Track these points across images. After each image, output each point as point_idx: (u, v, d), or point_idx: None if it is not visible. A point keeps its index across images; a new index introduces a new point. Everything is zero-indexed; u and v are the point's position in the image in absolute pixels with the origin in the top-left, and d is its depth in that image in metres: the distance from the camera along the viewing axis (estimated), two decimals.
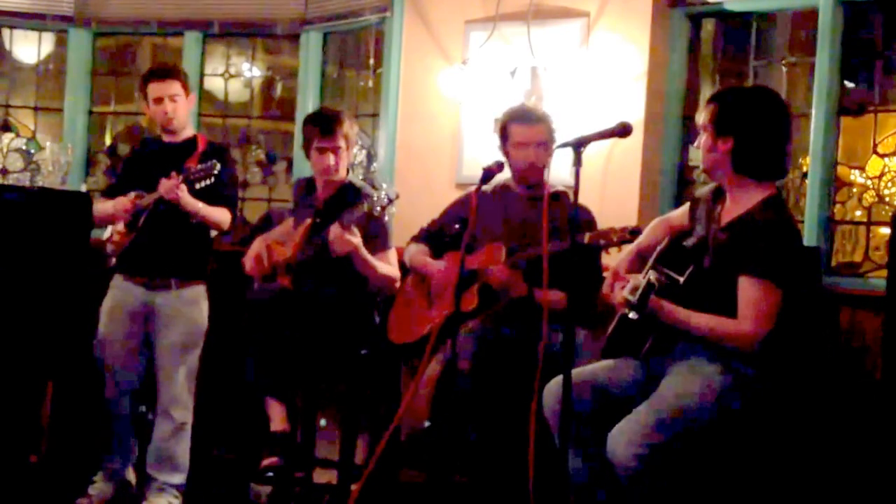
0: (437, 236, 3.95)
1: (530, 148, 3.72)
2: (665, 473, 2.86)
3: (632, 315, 2.87)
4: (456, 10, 4.82)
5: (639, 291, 2.81)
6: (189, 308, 3.95)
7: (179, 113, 3.99)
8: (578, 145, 2.91)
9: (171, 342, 3.93)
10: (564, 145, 2.94)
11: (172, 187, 3.75)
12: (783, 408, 3.18)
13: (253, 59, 5.96)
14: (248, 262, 3.96)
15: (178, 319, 3.93)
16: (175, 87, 3.96)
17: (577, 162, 2.87)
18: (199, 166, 3.78)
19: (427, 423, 3.65)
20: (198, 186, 3.77)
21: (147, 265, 3.94)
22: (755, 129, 2.95)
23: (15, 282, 4.03)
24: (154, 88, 3.98)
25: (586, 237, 3.33)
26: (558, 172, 3.97)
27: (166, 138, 4.03)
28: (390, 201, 3.67)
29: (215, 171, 3.76)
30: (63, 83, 5.97)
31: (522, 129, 3.74)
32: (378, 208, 3.66)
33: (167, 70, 4.06)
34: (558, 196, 3.74)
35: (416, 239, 3.99)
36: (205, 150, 3.96)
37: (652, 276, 2.85)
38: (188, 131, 4.06)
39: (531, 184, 3.78)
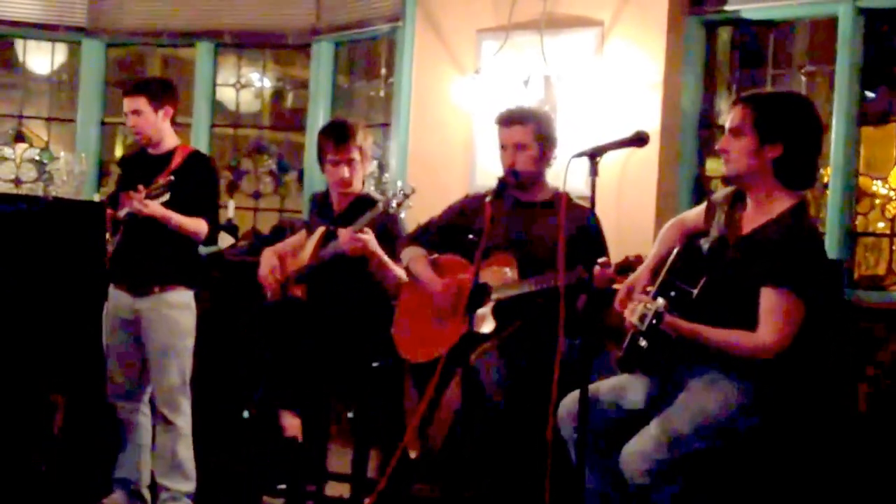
0: (436, 236, 3.85)
1: (508, 150, 3.61)
2: (679, 489, 2.80)
3: (642, 343, 2.83)
4: (468, 19, 4.79)
5: (647, 320, 2.76)
6: (173, 312, 3.96)
7: (143, 128, 3.99)
8: (594, 155, 2.85)
9: (158, 346, 3.95)
10: (580, 155, 2.89)
11: (136, 202, 3.81)
12: (803, 423, 3.11)
13: (264, 69, 5.95)
14: (265, 278, 3.95)
15: (162, 323, 3.94)
16: (137, 102, 3.96)
17: (593, 172, 2.81)
18: (159, 183, 3.83)
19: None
20: (158, 202, 3.82)
21: (130, 272, 3.98)
22: (804, 137, 2.87)
23: (29, 292, 4.02)
24: (124, 103, 4.05)
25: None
26: (574, 182, 3.91)
27: (149, 150, 4.07)
28: (406, 196, 3.63)
29: (167, 189, 3.80)
30: (76, 94, 5.98)
31: (500, 132, 3.64)
32: (394, 204, 3.63)
33: (127, 86, 4.10)
34: (552, 203, 3.64)
35: (412, 239, 3.83)
36: (181, 163, 3.97)
37: (661, 302, 2.79)
38: (169, 143, 4.06)
39: (521, 187, 3.68)
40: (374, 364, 3.87)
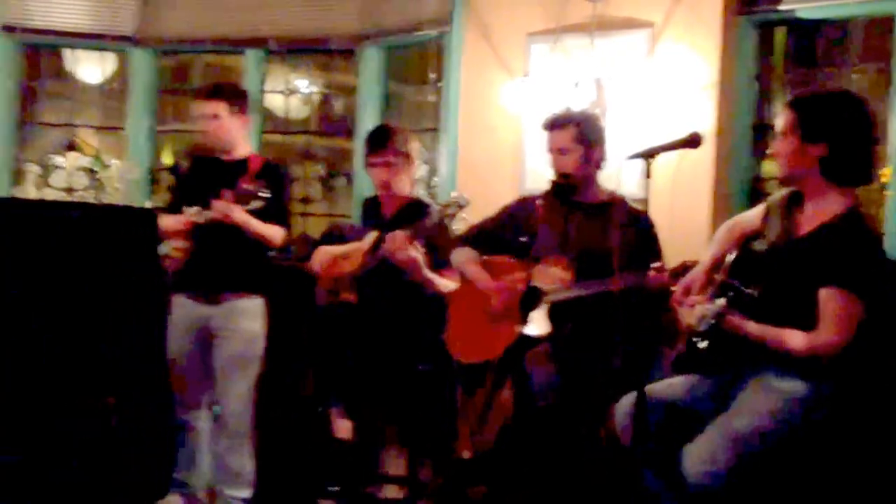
0: (488, 238, 3.86)
1: (554, 154, 3.63)
2: (740, 492, 2.79)
3: (701, 344, 2.82)
4: (517, 22, 4.79)
5: (707, 320, 2.74)
6: (244, 321, 3.93)
7: (219, 132, 3.97)
8: (648, 156, 2.84)
9: (228, 355, 3.92)
10: (634, 157, 2.89)
11: (224, 208, 3.78)
12: (861, 424, 3.07)
13: (312, 75, 5.98)
14: (316, 265, 3.96)
15: (233, 333, 3.92)
16: (215, 106, 3.95)
17: (647, 173, 2.80)
18: (249, 187, 3.78)
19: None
20: (247, 208, 3.78)
21: (203, 280, 3.95)
22: (847, 135, 2.85)
23: (85, 296, 4.06)
24: (195, 107, 4.03)
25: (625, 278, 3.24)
26: (628, 184, 3.90)
27: (221, 156, 4.04)
28: (460, 207, 3.64)
29: (264, 195, 3.77)
30: (126, 102, 6.04)
31: (547, 136, 3.66)
32: (449, 213, 3.65)
33: (207, 90, 4.07)
34: (606, 205, 3.61)
35: (465, 240, 3.85)
36: (258, 170, 3.94)
37: (721, 302, 2.78)
38: (243, 150, 4.04)
39: (572, 190, 3.65)
40: (426, 367, 3.87)
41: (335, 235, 4.29)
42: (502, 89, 4.74)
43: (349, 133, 5.70)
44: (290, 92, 5.95)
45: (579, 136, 3.59)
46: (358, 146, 5.54)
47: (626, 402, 2.99)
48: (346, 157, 5.78)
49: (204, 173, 4.07)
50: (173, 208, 4.04)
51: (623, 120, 4.36)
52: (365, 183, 5.23)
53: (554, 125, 3.63)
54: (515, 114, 4.73)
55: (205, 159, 4.14)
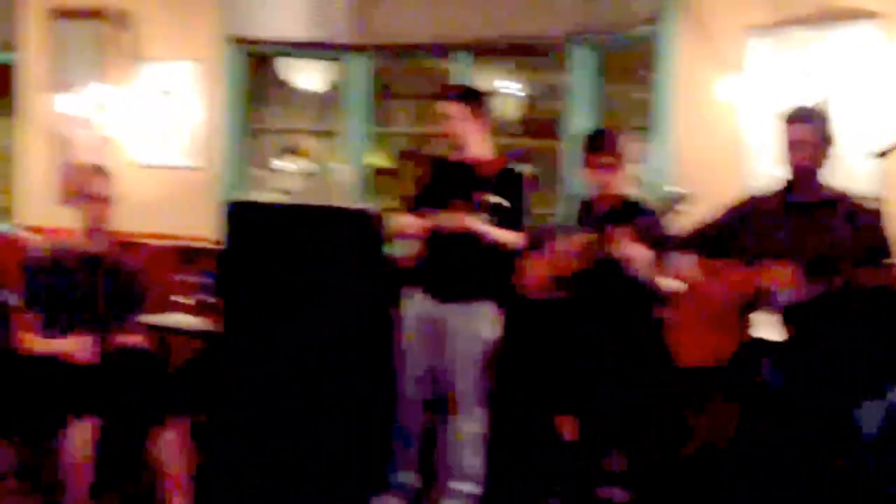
0: (711, 239, 3.79)
1: (793, 148, 3.53)
2: None
3: None
4: (735, 16, 4.68)
5: None
6: (476, 324, 4.02)
7: (453, 133, 4.07)
8: (885, 154, 2.74)
9: (458, 355, 4.02)
10: (880, 154, 2.79)
11: (459, 219, 3.88)
12: None
13: (522, 76, 6.01)
14: (530, 283, 4.01)
15: (464, 334, 4.01)
16: (448, 107, 4.05)
17: (886, 171, 2.70)
18: (484, 199, 3.85)
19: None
20: (483, 218, 3.86)
21: (439, 281, 4.05)
22: None
23: (315, 294, 4.22)
24: (441, 106, 4.12)
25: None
26: (861, 182, 3.74)
27: (458, 158, 4.12)
28: (678, 202, 3.64)
29: (500, 205, 3.84)
30: (342, 107, 6.27)
31: (786, 128, 3.55)
32: (668, 211, 3.66)
33: (444, 91, 4.18)
34: (834, 203, 3.50)
35: (686, 242, 3.81)
36: (496, 176, 4.01)
37: None
38: (479, 151, 4.11)
39: (799, 188, 3.56)
40: (642, 368, 3.85)
41: (544, 238, 4.33)
42: (720, 85, 4.65)
43: (557, 134, 5.71)
44: (498, 93, 6.00)
45: (819, 131, 3.51)
46: (566, 147, 5.55)
47: (873, 409, 2.89)
48: (554, 158, 5.78)
49: (443, 176, 4.19)
50: (415, 208, 4.18)
51: (852, 115, 4.18)
52: (573, 184, 5.23)
53: (798, 118, 3.54)
54: (735, 109, 4.63)
55: (443, 162, 4.25)
